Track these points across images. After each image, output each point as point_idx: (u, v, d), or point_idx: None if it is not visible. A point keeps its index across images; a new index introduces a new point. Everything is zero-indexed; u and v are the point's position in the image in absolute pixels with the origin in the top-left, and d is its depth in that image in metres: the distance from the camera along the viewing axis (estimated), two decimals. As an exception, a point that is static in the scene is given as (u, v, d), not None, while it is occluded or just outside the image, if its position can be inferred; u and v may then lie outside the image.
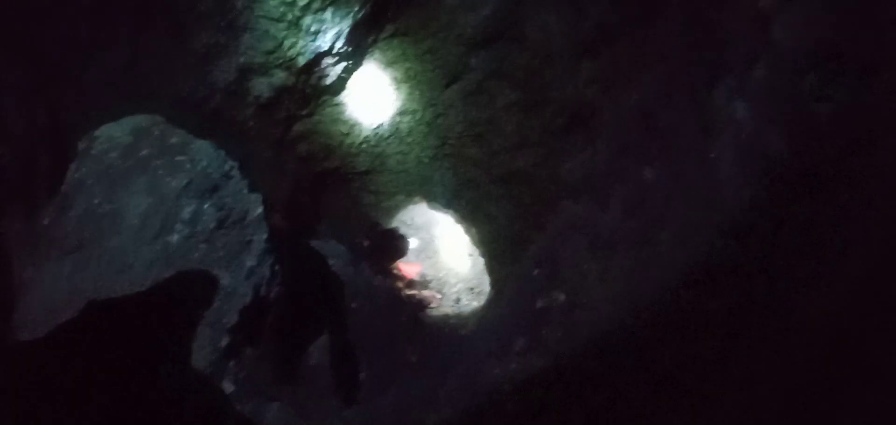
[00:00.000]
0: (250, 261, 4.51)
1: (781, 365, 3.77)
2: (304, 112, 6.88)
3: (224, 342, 4.22)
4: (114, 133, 4.55)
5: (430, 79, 7.33)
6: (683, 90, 5.03)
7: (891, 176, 3.74)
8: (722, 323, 4.08)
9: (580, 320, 4.77)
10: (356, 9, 6.39)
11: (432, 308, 8.33)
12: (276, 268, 4.67)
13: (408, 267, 8.82)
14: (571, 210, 5.48)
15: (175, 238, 4.31)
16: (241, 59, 6.25)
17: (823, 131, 4.17)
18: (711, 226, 4.48)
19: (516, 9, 6.52)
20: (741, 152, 4.52)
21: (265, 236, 4.64)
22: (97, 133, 4.49)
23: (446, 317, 7.81)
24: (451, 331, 6.16)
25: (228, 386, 4.23)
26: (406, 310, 6.33)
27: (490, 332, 5.45)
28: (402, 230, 8.71)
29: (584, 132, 6.35)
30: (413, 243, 8.82)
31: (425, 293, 8.48)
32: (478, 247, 8.81)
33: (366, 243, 8.39)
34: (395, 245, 8.44)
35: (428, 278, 8.70)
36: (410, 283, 8.65)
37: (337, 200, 7.71)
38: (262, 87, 6.42)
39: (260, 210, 4.70)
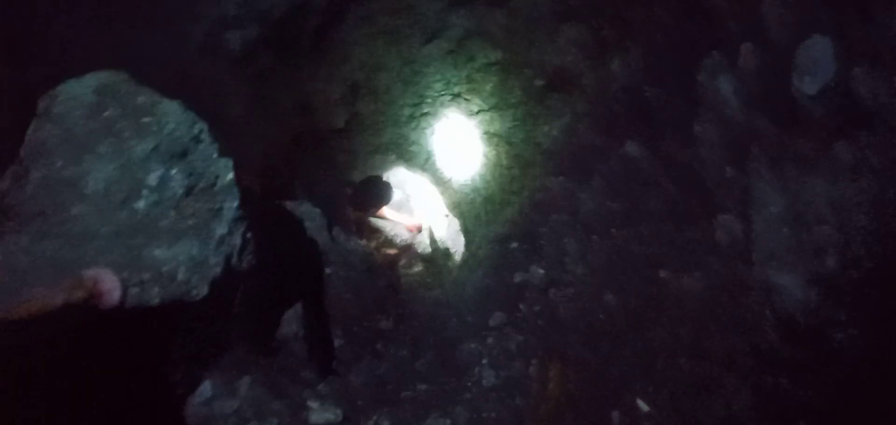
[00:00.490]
0: (221, 230, 4.31)
1: (766, 345, 3.77)
2: (278, 68, 6.66)
3: (194, 314, 4.07)
4: (76, 91, 4.26)
5: (409, 35, 7.15)
6: (669, 63, 4.92)
7: (881, 159, 3.69)
8: (706, 302, 4.06)
9: (560, 297, 4.72)
10: (336, -38, 6.17)
11: (407, 268, 8.29)
12: (248, 236, 4.49)
13: (409, 219, 8.75)
14: (552, 181, 5.39)
15: (142, 205, 4.10)
16: (213, 11, 5.99)
17: (811, 111, 4.11)
18: (696, 203, 4.43)
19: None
20: (726, 128, 4.45)
21: (236, 203, 4.44)
22: (58, 91, 4.21)
23: (422, 278, 7.76)
24: (427, 299, 6.08)
25: (198, 360, 4.10)
26: (383, 276, 6.24)
27: (466, 304, 5.39)
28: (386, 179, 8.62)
29: (564, 98, 6.27)
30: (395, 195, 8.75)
31: (402, 253, 8.44)
32: (452, 208, 8.75)
33: (349, 190, 8.29)
34: (379, 192, 8.35)
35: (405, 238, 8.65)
36: (386, 242, 8.60)
37: (311, 160, 7.54)
38: (234, 41, 6.17)
39: (230, 176, 4.48)
